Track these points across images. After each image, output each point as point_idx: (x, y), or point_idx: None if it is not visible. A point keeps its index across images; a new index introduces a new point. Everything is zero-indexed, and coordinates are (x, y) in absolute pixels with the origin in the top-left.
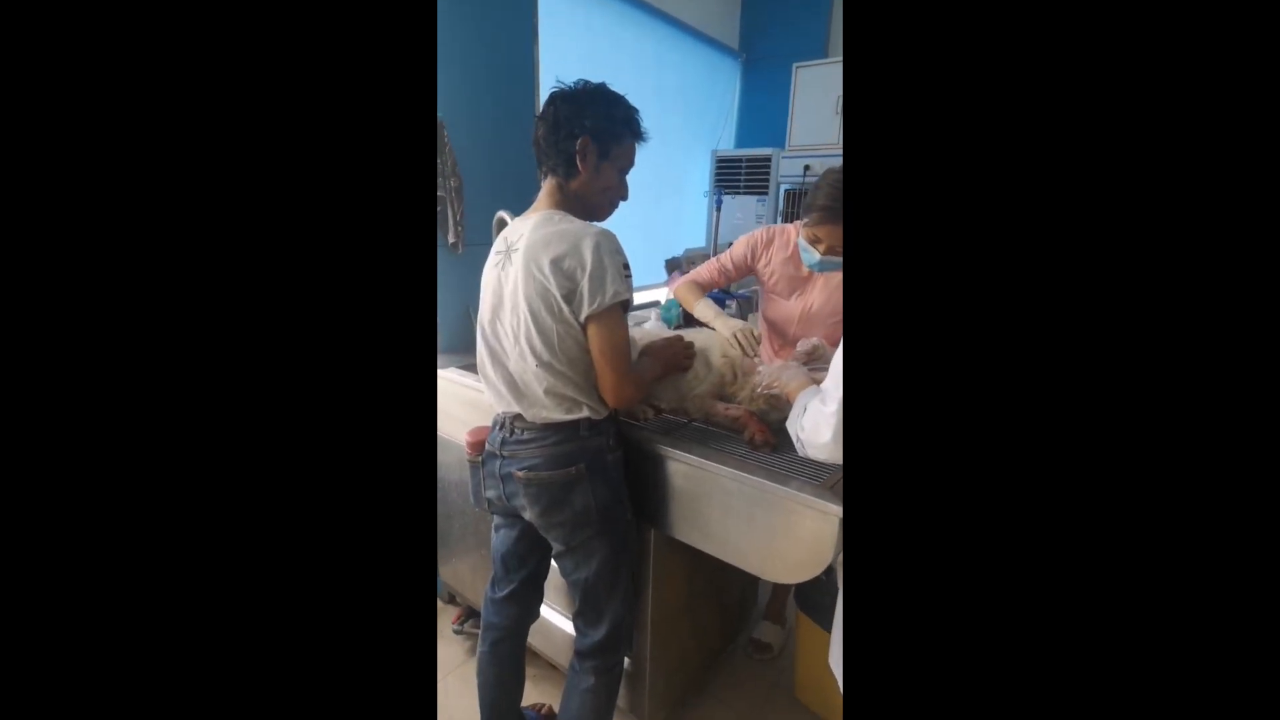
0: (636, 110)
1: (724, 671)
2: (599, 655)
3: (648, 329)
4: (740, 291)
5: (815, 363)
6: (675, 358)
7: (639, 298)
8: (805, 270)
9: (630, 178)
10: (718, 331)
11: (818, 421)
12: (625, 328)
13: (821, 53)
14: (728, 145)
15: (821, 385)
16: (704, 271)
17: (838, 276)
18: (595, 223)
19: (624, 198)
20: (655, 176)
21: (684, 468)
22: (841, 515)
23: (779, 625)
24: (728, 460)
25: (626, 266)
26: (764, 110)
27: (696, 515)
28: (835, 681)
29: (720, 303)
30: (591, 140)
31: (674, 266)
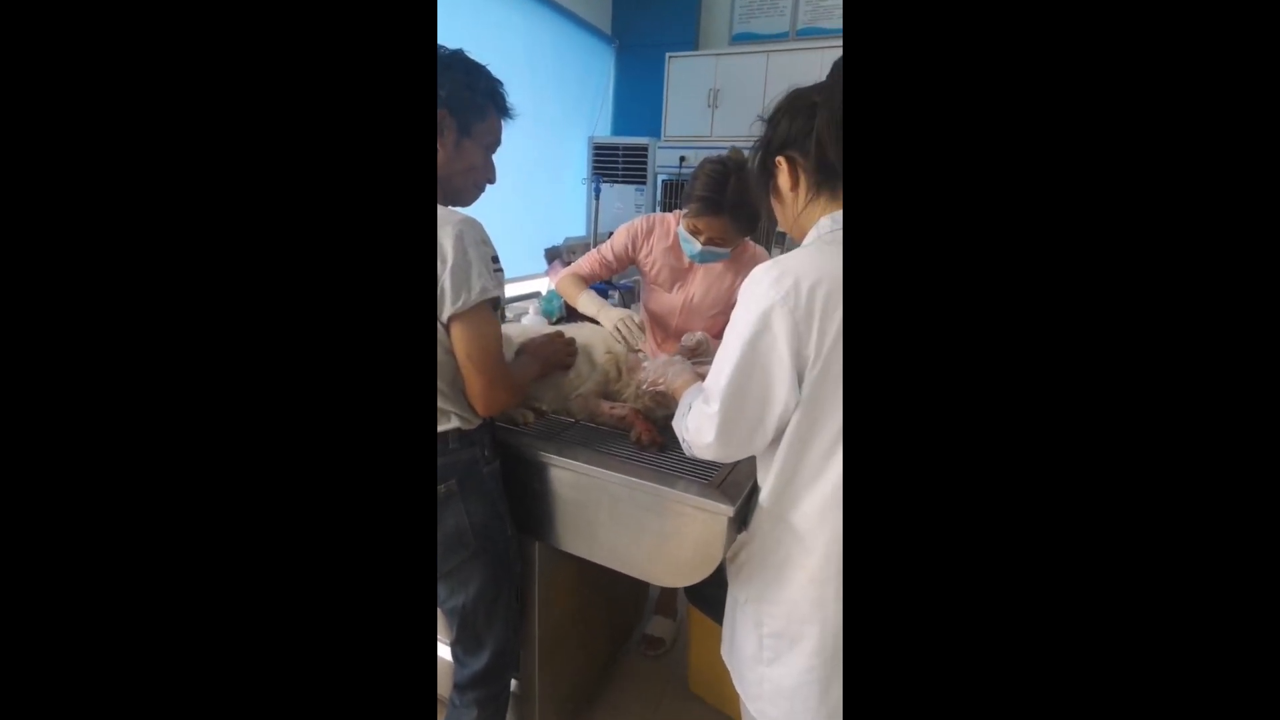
0: (500, 82)
1: (618, 673)
2: (482, 685)
3: (526, 324)
4: (623, 282)
5: (700, 357)
6: (555, 356)
7: (518, 289)
8: (686, 261)
9: (507, 162)
10: (601, 326)
11: (701, 422)
12: (495, 327)
13: (692, 45)
14: (604, 132)
15: (704, 384)
16: (585, 264)
17: (718, 267)
18: (458, 209)
19: (490, 180)
20: (532, 161)
21: (568, 475)
22: (730, 514)
23: (670, 619)
24: (614, 464)
25: (495, 259)
26: (639, 98)
27: (584, 524)
28: (728, 672)
29: (603, 294)
30: (450, 114)
31: (554, 256)
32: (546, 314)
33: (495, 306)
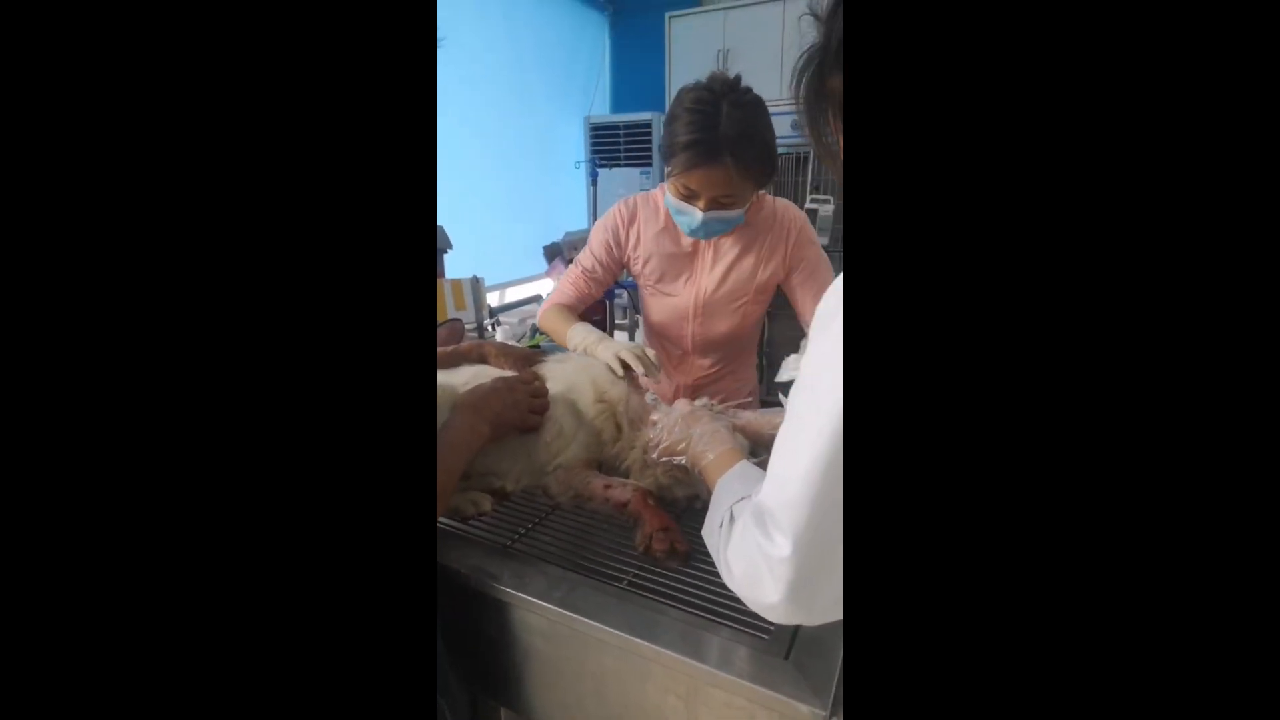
0: None
1: None
2: None
3: (478, 371)
4: (630, 279)
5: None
6: (509, 411)
7: (516, 293)
8: (687, 241)
9: (494, 151)
10: (594, 359)
11: (758, 569)
12: None
13: (695, 1)
14: (603, 110)
15: (761, 496)
16: (566, 286)
17: (732, 243)
18: None
19: None
20: (522, 149)
21: (538, 620)
22: (823, 718)
23: None
24: (604, 602)
25: None
26: (639, 70)
27: (566, 696)
28: None
29: (610, 297)
30: None
31: (554, 253)
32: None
33: None
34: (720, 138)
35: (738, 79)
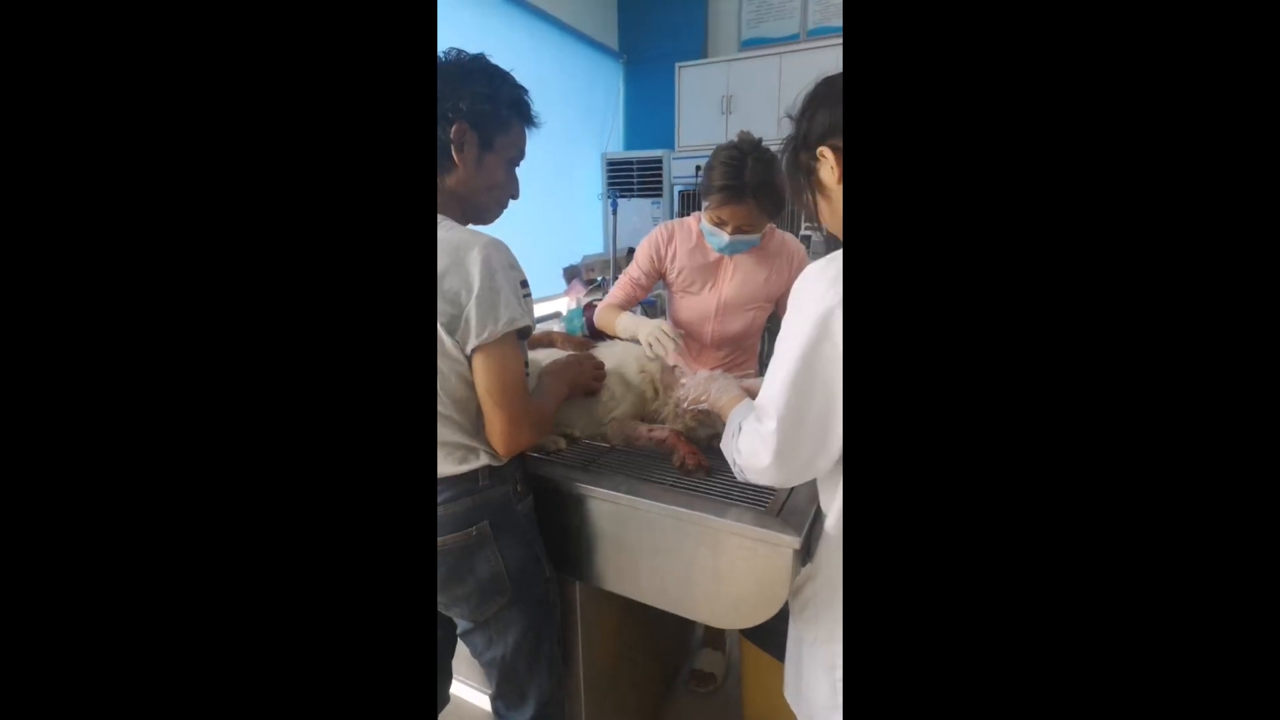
0: (524, 90)
1: (668, 714)
2: None
3: (549, 352)
4: (651, 298)
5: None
6: (580, 379)
7: (538, 310)
8: (714, 257)
9: (520, 180)
10: (634, 344)
11: (754, 443)
12: (519, 360)
13: (700, 53)
14: (616, 147)
15: (756, 400)
16: (617, 291)
17: (749, 260)
18: (482, 229)
19: (514, 196)
20: (545, 179)
21: (606, 507)
22: (796, 546)
23: (720, 651)
24: (656, 492)
25: (524, 284)
26: (650, 111)
27: (626, 562)
28: (789, 710)
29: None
30: (470, 127)
31: (573, 274)
32: (571, 332)
33: (523, 336)
34: (745, 184)
35: (759, 140)
